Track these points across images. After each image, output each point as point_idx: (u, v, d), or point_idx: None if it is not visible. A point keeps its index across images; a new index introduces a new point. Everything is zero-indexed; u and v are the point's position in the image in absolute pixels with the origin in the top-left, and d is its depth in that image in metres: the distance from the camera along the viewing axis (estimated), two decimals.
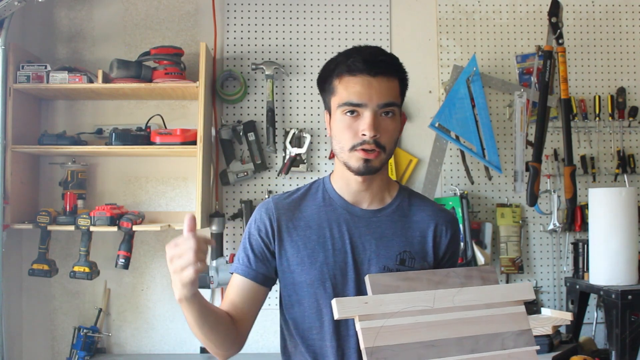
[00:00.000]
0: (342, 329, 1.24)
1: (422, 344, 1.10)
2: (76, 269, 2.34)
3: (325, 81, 1.26)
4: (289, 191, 1.35)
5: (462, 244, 2.53)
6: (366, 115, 1.18)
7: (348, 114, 1.20)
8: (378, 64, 1.20)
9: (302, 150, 2.57)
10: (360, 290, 1.22)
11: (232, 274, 1.30)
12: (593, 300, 2.54)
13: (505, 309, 1.18)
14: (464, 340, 1.13)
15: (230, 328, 1.22)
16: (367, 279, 1.15)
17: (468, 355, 1.12)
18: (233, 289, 1.28)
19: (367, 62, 1.19)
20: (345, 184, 1.29)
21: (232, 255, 2.52)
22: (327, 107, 1.28)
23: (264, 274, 1.27)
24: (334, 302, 1.09)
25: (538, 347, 1.16)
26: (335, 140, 1.24)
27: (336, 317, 1.08)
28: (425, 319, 1.13)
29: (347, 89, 1.20)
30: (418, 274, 1.18)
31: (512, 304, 1.19)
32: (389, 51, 1.31)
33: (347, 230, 1.26)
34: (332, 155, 2.59)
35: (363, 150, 1.19)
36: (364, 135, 1.18)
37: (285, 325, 1.32)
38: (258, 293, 1.28)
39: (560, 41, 2.44)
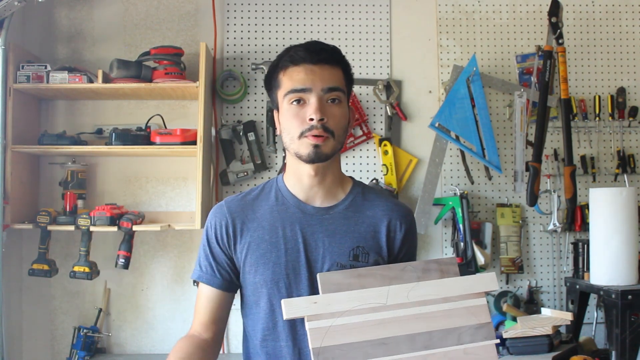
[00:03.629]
0: (299, 329, 1.24)
1: (371, 342, 1.09)
2: (76, 269, 2.34)
3: (271, 78, 1.29)
4: (243, 192, 1.36)
5: (462, 243, 2.53)
6: (312, 101, 1.20)
7: (294, 103, 1.22)
8: (319, 52, 1.24)
9: None
10: (314, 289, 1.21)
11: (195, 282, 1.32)
12: (593, 300, 2.54)
13: (464, 302, 1.15)
14: (416, 336, 1.11)
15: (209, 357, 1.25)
16: (318, 277, 1.14)
17: (419, 352, 1.10)
18: (202, 301, 1.30)
19: (308, 51, 1.23)
20: (298, 181, 1.29)
21: None
22: (275, 104, 1.29)
23: (228, 280, 1.29)
24: (282, 302, 1.10)
25: (497, 341, 1.13)
26: (285, 131, 1.25)
27: (285, 317, 1.09)
28: (376, 317, 1.11)
29: (292, 78, 1.22)
30: (371, 269, 1.16)
31: (472, 296, 1.15)
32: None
33: (299, 229, 1.26)
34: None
35: (312, 135, 1.20)
36: (311, 120, 1.19)
37: (245, 325, 1.34)
38: (226, 299, 1.30)
39: (560, 41, 2.44)
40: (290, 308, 1.10)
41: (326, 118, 1.20)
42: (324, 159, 1.23)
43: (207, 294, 1.29)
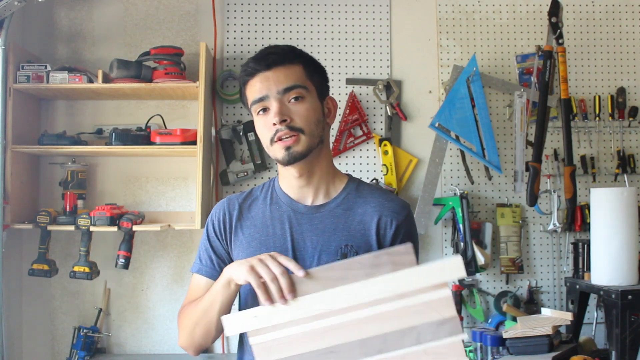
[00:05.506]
0: None
1: (319, 351, 1.01)
2: (76, 269, 2.34)
3: (241, 95, 1.31)
4: (245, 191, 1.37)
5: (462, 243, 2.53)
6: (272, 106, 1.21)
7: (260, 112, 1.24)
8: (267, 57, 1.24)
9: None
10: None
11: (192, 273, 1.32)
12: (593, 300, 2.54)
13: (423, 297, 1.00)
14: (368, 341, 1.00)
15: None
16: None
17: (372, 357, 1.00)
18: (200, 291, 1.29)
19: (257, 60, 1.24)
20: (288, 181, 1.30)
21: None
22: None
23: None
24: (222, 319, 1.05)
25: (465, 336, 1.00)
26: (262, 141, 1.27)
27: (226, 334, 1.05)
28: (322, 324, 1.02)
29: (251, 90, 1.25)
30: (314, 272, 1.05)
31: (432, 288, 1.00)
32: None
33: (289, 228, 1.27)
34: None
35: (279, 139, 1.21)
36: (274, 124, 1.20)
37: None
38: None
39: (560, 41, 2.44)
40: (231, 325, 1.05)
41: (290, 118, 1.21)
42: (301, 157, 1.23)
43: (205, 285, 1.29)
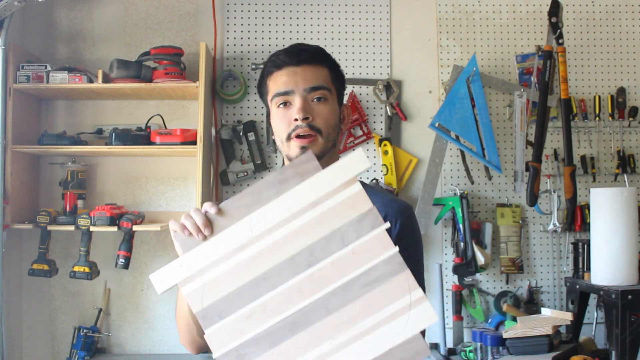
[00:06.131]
0: None
1: (251, 282, 0.98)
2: (76, 269, 2.34)
3: (261, 85, 1.31)
4: None
5: (462, 243, 2.53)
6: (296, 102, 1.21)
7: (281, 105, 1.23)
8: (300, 53, 1.24)
9: None
10: None
11: None
12: (593, 300, 2.54)
13: (336, 198, 0.98)
14: (296, 257, 0.97)
15: None
16: (172, 234, 1.05)
17: (303, 273, 0.97)
18: None
19: (288, 54, 1.24)
20: None
21: None
22: (267, 110, 1.30)
23: None
24: (151, 277, 1.01)
25: (387, 225, 0.98)
26: (276, 135, 1.26)
27: (159, 292, 1.02)
28: (248, 253, 0.99)
29: (276, 82, 1.24)
30: (225, 206, 1.02)
31: (343, 187, 0.99)
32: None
33: None
34: None
35: (298, 137, 1.20)
36: (295, 120, 1.20)
37: None
38: None
39: (560, 41, 2.44)
40: (160, 281, 1.01)
41: (312, 117, 1.21)
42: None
43: None
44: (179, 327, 1.24)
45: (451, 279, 2.60)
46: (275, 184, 1.00)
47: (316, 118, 1.21)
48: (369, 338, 0.93)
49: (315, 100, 1.22)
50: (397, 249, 0.97)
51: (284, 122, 1.22)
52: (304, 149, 1.20)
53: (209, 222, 1.02)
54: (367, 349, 0.93)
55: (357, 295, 0.95)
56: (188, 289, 1.01)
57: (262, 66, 2.58)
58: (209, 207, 1.04)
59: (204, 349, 1.27)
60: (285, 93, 1.22)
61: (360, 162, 0.99)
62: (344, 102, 1.35)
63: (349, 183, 0.99)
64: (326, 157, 1.25)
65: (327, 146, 1.23)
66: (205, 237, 1.02)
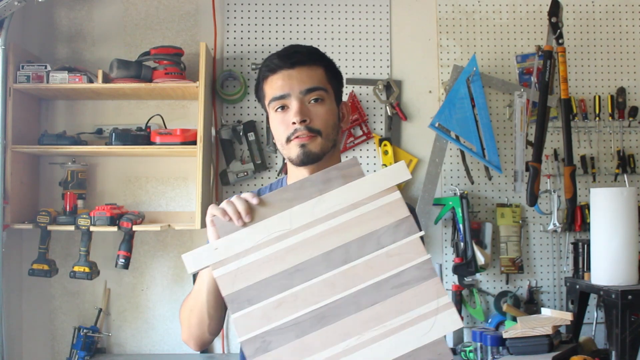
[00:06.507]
0: None
1: (284, 272, 1.01)
2: (76, 269, 2.34)
3: (258, 89, 1.31)
4: (254, 190, 1.36)
5: (462, 243, 2.53)
6: (293, 105, 1.21)
7: (279, 110, 1.23)
8: (293, 56, 1.24)
9: None
10: None
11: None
12: (593, 300, 2.54)
13: (376, 202, 1.04)
14: (332, 253, 1.02)
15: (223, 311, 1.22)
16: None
17: (338, 269, 1.01)
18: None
19: (282, 57, 1.24)
20: None
21: None
22: (267, 112, 1.30)
23: None
24: (183, 257, 1.02)
25: (422, 233, 1.03)
26: (276, 138, 1.26)
27: (189, 272, 1.03)
28: (284, 244, 1.02)
29: (272, 86, 1.24)
30: (267, 197, 1.06)
31: (383, 194, 1.04)
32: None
33: None
34: None
35: (297, 137, 1.21)
36: (294, 123, 1.20)
37: None
38: None
39: (560, 41, 2.44)
40: (192, 261, 1.02)
41: (309, 119, 1.21)
42: (315, 158, 1.22)
43: (210, 280, 1.28)
44: (189, 321, 1.23)
45: (451, 279, 2.60)
46: (318, 182, 1.05)
47: (314, 119, 1.21)
48: (395, 337, 0.97)
49: (312, 101, 1.22)
50: (429, 256, 1.02)
51: (282, 126, 1.22)
52: (303, 146, 1.21)
53: (250, 210, 1.05)
54: (392, 347, 0.96)
55: (388, 295, 0.99)
56: (220, 272, 1.02)
57: None
58: (251, 197, 1.06)
59: (207, 345, 1.28)
60: (282, 97, 1.22)
61: (402, 172, 1.06)
62: (344, 100, 1.35)
63: (389, 190, 1.05)
64: (327, 156, 1.25)
65: (327, 146, 1.24)
66: (244, 224, 1.04)
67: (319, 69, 1.25)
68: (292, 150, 1.22)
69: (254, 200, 1.05)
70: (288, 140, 1.22)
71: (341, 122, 1.30)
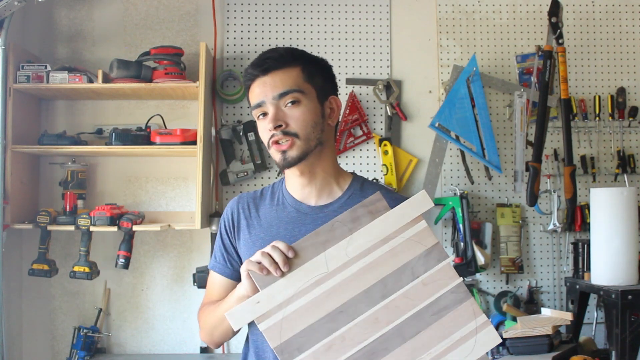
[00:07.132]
0: None
1: (329, 315, 1.04)
2: (76, 269, 2.34)
3: (247, 98, 1.33)
4: (258, 190, 1.39)
5: (462, 243, 2.53)
6: (269, 111, 1.24)
7: (260, 116, 1.26)
8: (264, 62, 1.25)
9: None
10: None
11: (209, 270, 1.36)
12: (593, 300, 2.54)
13: (405, 234, 1.09)
14: (371, 290, 1.05)
15: None
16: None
17: (378, 305, 1.04)
18: (215, 287, 1.34)
19: (254, 65, 1.26)
20: (291, 181, 1.32)
21: None
22: None
23: (238, 270, 1.29)
24: (226, 315, 1.05)
25: (452, 258, 1.08)
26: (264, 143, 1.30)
27: (235, 329, 1.07)
28: (324, 288, 1.05)
29: (252, 95, 1.27)
30: (300, 244, 1.09)
31: (410, 225, 1.09)
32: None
33: (292, 228, 1.27)
34: None
35: (275, 143, 1.23)
36: (269, 129, 1.23)
37: None
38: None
39: (560, 41, 2.44)
40: (236, 318, 1.05)
41: (285, 123, 1.22)
42: (296, 162, 1.24)
43: (219, 282, 1.33)
44: (212, 334, 1.29)
45: None
46: (347, 222, 1.10)
47: (290, 122, 1.23)
48: None
49: (289, 104, 1.23)
50: (461, 279, 1.06)
51: (264, 132, 1.26)
52: (284, 153, 1.23)
53: (286, 260, 1.08)
54: None
55: (429, 322, 1.04)
56: (265, 325, 1.04)
57: None
58: (283, 247, 1.09)
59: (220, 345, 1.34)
60: (259, 105, 1.25)
61: (425, 201, 1.11)
62: (335, 94, 1.34)
63: (415, 221, 1.10)
64: (313, 155, 1.26)
65: (307, 147, 1.24)
66: (282, 274, 1.07)
67: (293, 71, 1.26)
68: (275, 155, 1.25)
69: (290, 254, 1.08)
70: (269, 145, 1.25)
71: (328, 119, 1.30)
